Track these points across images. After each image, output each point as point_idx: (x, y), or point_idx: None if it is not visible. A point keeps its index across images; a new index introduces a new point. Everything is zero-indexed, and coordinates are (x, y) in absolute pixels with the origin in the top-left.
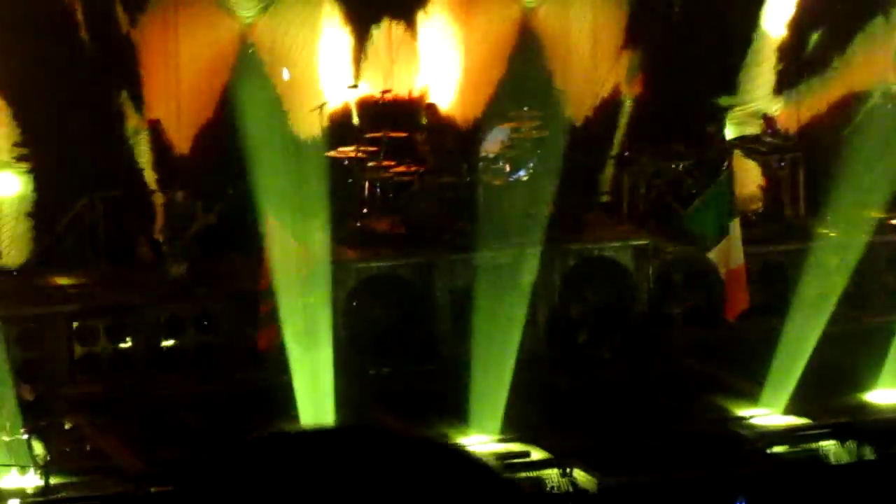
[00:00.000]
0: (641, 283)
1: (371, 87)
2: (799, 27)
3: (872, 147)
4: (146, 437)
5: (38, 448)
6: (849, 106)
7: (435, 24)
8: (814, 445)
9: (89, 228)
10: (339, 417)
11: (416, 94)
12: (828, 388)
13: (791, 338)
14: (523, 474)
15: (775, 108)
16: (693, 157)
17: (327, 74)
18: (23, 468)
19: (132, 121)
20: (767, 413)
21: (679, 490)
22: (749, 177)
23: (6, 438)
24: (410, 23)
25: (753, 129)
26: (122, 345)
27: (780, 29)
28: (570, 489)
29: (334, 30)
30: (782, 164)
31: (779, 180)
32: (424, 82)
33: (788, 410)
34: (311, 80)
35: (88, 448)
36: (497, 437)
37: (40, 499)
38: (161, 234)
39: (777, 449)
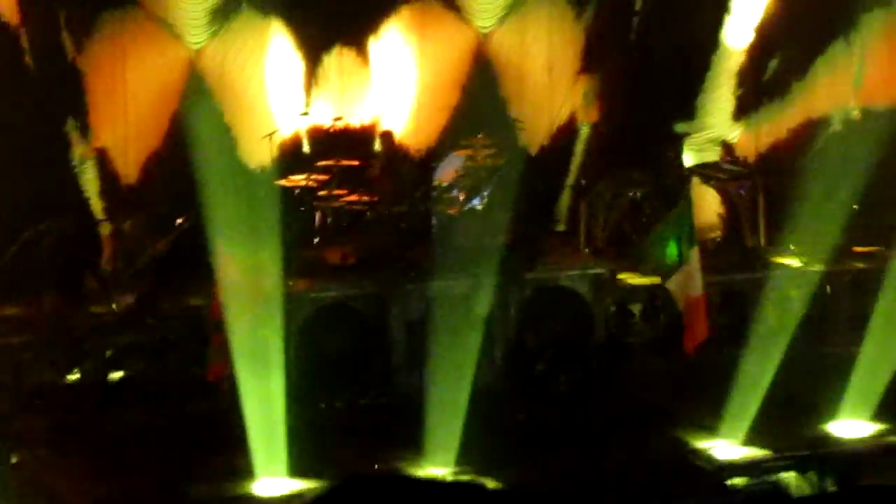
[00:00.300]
0: (599, 314)
1: (322, 115)
2: (758, 51)
3: (833, 174)
4: (95, 472)
5: None
6: (809, 132)
7: (387, 50)
8: (774, 477)
9: (36, 259)
10: (291, 450)
11: (368, 121)
12: (789, 419)
13: (751, 368)
14: None
15: (734, 134)
16: (651, 185)
17: (278, 102)
18: None
19: (79, 149)
20: (727, 444)
21: None
22: (708, 204)
23: None
24: (361, 49)
25: (712, 155)
26: (70, 377)
27: (739, 53)
28: None
29: (284, 56)
30: (741, 191)
31: (738, 208)
32: (377, 109)
33: (749, 442)
34: (261, 108)
35: (36, 484)
36: (451, 469)
37: None
38: (108, 264)
39: (737, 481)
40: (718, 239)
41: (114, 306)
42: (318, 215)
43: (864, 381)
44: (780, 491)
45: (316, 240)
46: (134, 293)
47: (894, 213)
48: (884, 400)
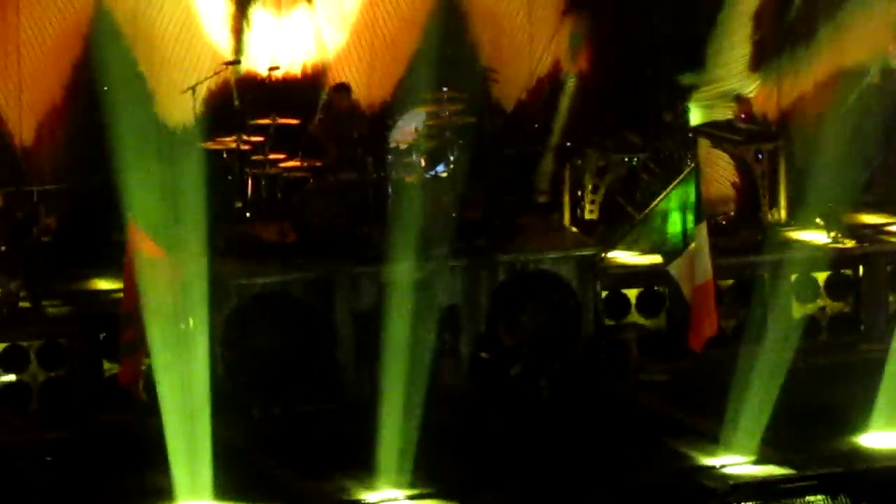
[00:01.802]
0: (588, 303)
1: (256, 64)
2: None
3: (868, 135)
4: None
5: None
6: (840, 85)
7: None
8: (798, 501)
9: None
10: (217, 468)
11: (311, 71)
12: (813, 431)
13: (768, 370)
14: None
15: (751, 88)
16: (650, 149)
17: (202, 48)
18: None
19: None
20: (740, 461)
21: None
22: (719, 172)
23: None
24: None
25: (724, 113)
26: None
27: None
28: None
29: None
30: (760, 156)
31: (755, 177)
32: (321, 57)
33: (765, 458)
34: (182, 56)
35: None
36: (410, 492)
37: None
38: None
39: None
40: (731, 214)
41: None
42: (250, 183)
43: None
44: None
45: (248, 213)
46: (19, 279)
47: None
48: None
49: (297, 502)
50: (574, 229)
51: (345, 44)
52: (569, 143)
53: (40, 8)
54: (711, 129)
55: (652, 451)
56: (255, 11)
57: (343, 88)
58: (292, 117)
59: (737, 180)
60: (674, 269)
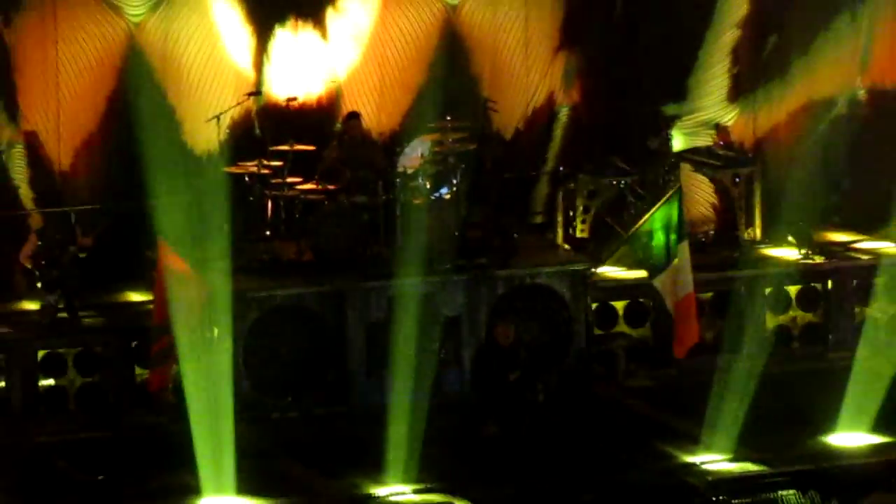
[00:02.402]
0: (580, 315)
1: (275, 95)
2: (756, 26)
3: (836, 161)
4: (21, 490)
5: None
6: (811, 115)
7: (347, 23)
8: (772, 495)
9: None
10: (240, 466)
11: (326, 102)
12: (785, 432)
13: (744, 376)
14: None
15: (729, 117)
16: (637, 174)
17: (226, 80)
18: None
19: (6, 132)
20: (719, 460)
21: None
22: (700, 195)
23: None
24: (319, 21)
25: (704, 140)
26: None
27: (735, 28)
28: None
29: (234, 30)
30: (737, 180)
31: (733, 199)
32: (336, 89)
33: (742, 456)
34: (207, 88)
35: None
36: (416, 486)
37: None
38: (33, 259)
39: (730, 499)
40: (711, 233)
41: (44, 305)
42: (269, 205)
43: (864, 390)
44: None
45: (267, 233)
46: (58, 292)
47: None
48: (885, 410)
49: (312, 498)
50: (566, 247)
51: (356, 77)
52: (562, 169)
53: (77, 43)
54: (693, 155)
55: (639, 451)
56: (274, 46)
57: (355, 117)
58: (309, 144)
59: (716, 202)
60: (658, 283)
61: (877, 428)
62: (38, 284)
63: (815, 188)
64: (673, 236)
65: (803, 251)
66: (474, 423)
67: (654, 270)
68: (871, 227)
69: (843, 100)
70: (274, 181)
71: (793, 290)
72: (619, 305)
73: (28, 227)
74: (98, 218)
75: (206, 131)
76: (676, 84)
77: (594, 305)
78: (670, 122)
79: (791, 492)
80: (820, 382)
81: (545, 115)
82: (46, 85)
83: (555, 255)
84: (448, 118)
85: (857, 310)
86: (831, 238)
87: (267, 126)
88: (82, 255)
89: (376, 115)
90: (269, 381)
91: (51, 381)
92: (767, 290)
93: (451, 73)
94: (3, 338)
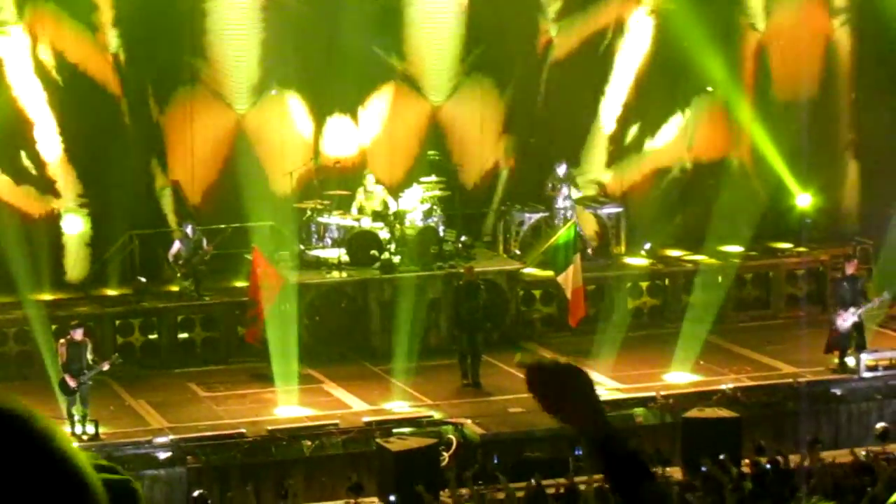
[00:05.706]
0: (512, 297)
1: (326, 159)
2: (622, 121)
3: (672, 205)
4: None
5: None
6: (656, 176)
7: (370, 115)
8: (630, 412)
9: (129, 256)
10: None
11: (357, 162)
12: (638, 370)
13: (612, 337)
14: (429, 429)
15: (606, 176)
16: (548, 210)
17: (296, 149)
18: None
19: (160, 180)
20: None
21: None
22: (588, 224)
23: None
24: (353, 114)
25: (591, 191)
26: (151, 336)
27: (611, 123)
28: (462, 440)
29: (301, 119)
30: (610, 216)
31: (607, 227)
32: (363, 156)
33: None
34: (285, 154)
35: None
36: (411, 403)
37: None
38: (175, 258)
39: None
40: (594, 247)
41: (181, 289)
42: (322, 228)
43: (684, 347)
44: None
45: (320, 245)
46: (190, 280)
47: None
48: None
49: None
50: (505, 256)
51: (376, 148)
52: (503, 207)
53: (202, 121)
54: (584, 200)
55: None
56: (326, 128)
57: (368, 174)
58: (345, 190)
59: (597, 229)
60: (561, 279)
61: (695, 370)
62: (178, 275)
63: (660, 221)
64: (571, 250)
65: (651, 261)
66: (451, 360)
67: (559, 271)
68: (694, 245)
69: (676, 167)
70: (325, 213)
71: (644, 284)
72: (537, 292)
73: (172, 238)
74: (217, 234)
75: (282, 181)
76: (574, 155)
77: (521, 292)
78: (570, 179)
79: (640, 410)
80: (660, 342)
81: (492, 174)
82: (185, 151)
83: (497, 261)
84: (433, 175)
85: (683, 297)
86: (669, 252)
87: (321, 178)
88: (206, 258)
89: (389, 172)
90: (320, 336)
91: (185, 335)
92: (628, 284)
93: (432, 146)
94: (156, 307)
